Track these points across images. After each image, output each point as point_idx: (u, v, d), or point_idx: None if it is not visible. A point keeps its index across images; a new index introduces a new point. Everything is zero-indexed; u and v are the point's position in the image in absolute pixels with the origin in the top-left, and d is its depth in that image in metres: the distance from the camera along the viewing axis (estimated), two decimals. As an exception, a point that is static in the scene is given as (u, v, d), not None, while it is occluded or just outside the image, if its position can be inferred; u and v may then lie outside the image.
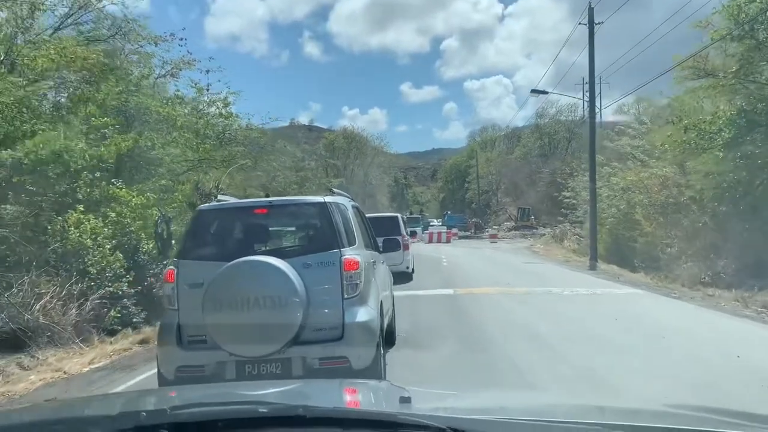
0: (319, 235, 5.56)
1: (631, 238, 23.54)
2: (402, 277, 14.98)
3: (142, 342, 9.76)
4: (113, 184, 12.06)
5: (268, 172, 31.50)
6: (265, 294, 4.90)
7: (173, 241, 12.66)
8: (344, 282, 5.14)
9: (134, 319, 10.69)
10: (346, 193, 7.04)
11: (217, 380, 4.85)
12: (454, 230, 47.27)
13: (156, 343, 5.62)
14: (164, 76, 16.37)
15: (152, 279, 11.58)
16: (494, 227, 53.36)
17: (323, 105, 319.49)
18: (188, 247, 5.53)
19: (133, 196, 11.94)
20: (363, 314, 5.19)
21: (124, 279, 10.70)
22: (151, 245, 11.95)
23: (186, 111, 17.44)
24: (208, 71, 17.40)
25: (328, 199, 5.65)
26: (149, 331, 10.51)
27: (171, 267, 5.44)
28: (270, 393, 2.32)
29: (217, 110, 18.22)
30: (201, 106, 18.27)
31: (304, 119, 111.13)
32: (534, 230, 46.57)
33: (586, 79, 36.29)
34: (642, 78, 55.46)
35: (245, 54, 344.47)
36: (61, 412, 2.22)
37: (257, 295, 4.89)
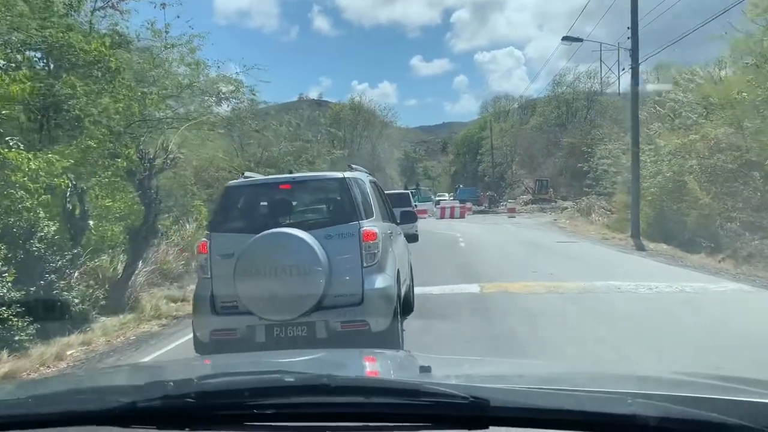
0: (340, 209, 5.92)
1: (679, 210, 20.04)
2: (410, 238, 16.49)
3: (9, 375, 6.40)
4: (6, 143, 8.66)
5: (259, 141, 28.06)
6: (290, 263, 5.28)
7: (90, 223, 9.22)
8: (363, 252, 5.48)
9: (17, 337, 7.34)
10: (364, 169, 7.11)
11: (247, 342, 5.31)
12: (468, 204, 43.66)
13: (191, 310, 6.02)
14: (103, 8, 12.79)
15: (53, 275, 8.17)
16: (510, 201, 49.70)
17: (333, 79, 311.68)
18: (219, 220, 5.97)
19: (29, 159, 8.49)
20: (381, 281, 5.53)
21: (2, 278, 7.34)
22: (54, 228, 8.52)
23: (135, 58, 13.97)
24: (163, 5, 13.86)
25: (347, 174, 6.04)
26: (36, 354, 7.19)
27: (204, 239, 5.88)
28: (295, 362, 2.38)
29: (180, 56, 14.72)
30: (161, 53, 14.79)
31: (313, 94, 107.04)
32: (553, 203, 43.33)
33: (604, 48, 32.56)
34: (655, 48, 49.90)
35: (255, 29, 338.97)
36: (87, 381, 2.24)
37: (284, 265, 5.29)
